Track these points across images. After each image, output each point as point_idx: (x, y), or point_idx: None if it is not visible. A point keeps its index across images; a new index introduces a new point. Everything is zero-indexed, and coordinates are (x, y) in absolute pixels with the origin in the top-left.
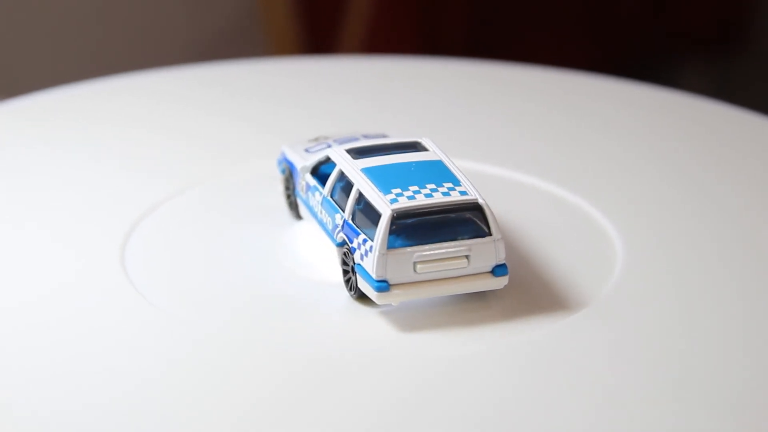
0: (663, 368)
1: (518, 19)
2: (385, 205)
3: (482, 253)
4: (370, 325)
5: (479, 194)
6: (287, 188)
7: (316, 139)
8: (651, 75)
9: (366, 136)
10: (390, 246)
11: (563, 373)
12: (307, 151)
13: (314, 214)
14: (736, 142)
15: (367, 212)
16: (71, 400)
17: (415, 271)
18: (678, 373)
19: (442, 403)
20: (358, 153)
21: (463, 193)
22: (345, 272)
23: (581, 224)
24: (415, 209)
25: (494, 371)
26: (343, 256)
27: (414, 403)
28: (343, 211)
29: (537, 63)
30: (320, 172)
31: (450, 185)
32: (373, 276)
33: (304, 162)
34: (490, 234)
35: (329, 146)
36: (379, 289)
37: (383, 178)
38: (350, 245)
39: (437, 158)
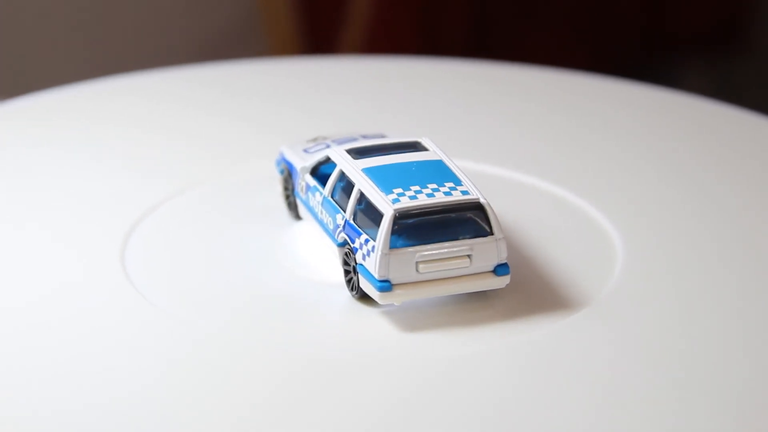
0: (663, 368)
1: (518, 19)
2: (387, 205)
3: (484, 252)
4: (371, 325)
5: (481, 194)
6: (286, 189)
7: (315, 140)
8: (651, 75)
9: (365, 137)
10: (392, 246)
11: (563, 373)
12: (305, 151)
13: (314, 215)
14: (736, 142)
15: (368, 212)
16: (72, 400)
17: (417, 270)
18: (678, 373)
19: (443, 403)
20: (359, 153)
21: (464, 192)
22: (346, 272)
23: (581, 224)
24: (417, 209)
25: (494, 371)
26: (345, 257)
27: (414, 403)
28: (344, 211)
29: (537, 63)
30: (320, 173)
31: (451, 185)
32: (376, 276)
33: (303, 162)
34: (491, 233)
35: (328, 146)
36: (382, 289)
37: (384, 178)
38: (352, 245)
39: (438, 158)
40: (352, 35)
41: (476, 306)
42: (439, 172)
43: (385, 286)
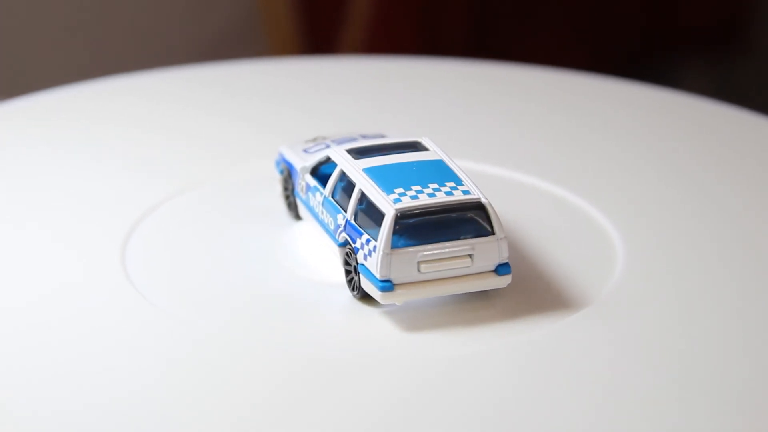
0: (663, 368)
1: (518, 19)
2: (389, 205)
3: (486, 252)
4: (371, 325)
5: (482, 193)
6: (286, 189)
7: (314, 140)
8: (651, 75)
9: (364, 137)
10: (394, 246)
11: (563, 373)
12: (305, 151)
13: (315, 215)
14: (736, 142)
15: (369, 212)
16: (72, 400)
17: (418, 270)
18: (678, 373)
19: (443, 403)
20: (359, 153)
21: (466, 192)
22: (347, 272)
23: (581, 224)
24: (418, 209)
25: (494, 371)
26: (346, 257)
27: (414, 403)
28: (345, 211)
29: (537, 63)
30: (320, 173)
31: (452, 184)
32: (377, 276)
33: (303, 162)
34: (493, 233)
35: (327, 146)
36: (384, 289)
37: (385, 178)
38: (353, 245)
39: (438, 158)
40: (352, 35)
41: (477, 306)
42: (440, 172)
43: (387, 286)
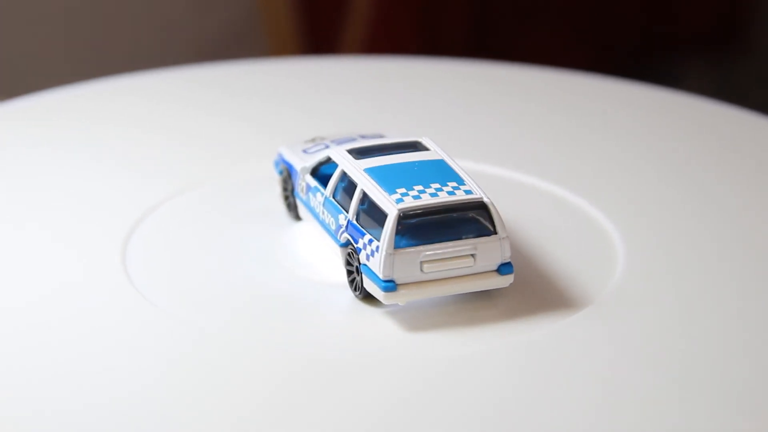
0: (663, 368)
1: (518, 19)
2: (391, 205)
3: (488, 251)
4: (371, 325)
5: (484, 193)
6: (285, 189)
7: (313, 140)
8: (651, 75)
9: (363, 137)
10: (396, 246)
11: (563, 373)
12: (305, 152)
13: (315, 215)
14: (736, 142)
15: (371, 212)
16: (72, 399)
17: (421, 270)
18: (678, 373)
19: (443, 403)
20: (360, 153)
21: (468, 192)
22: (349, 272)
23: (582, 224)
24: (421, 209)
25: (495, 371)
26: (348, 257)
27: (414, 403)
28: (347, 211)
29: (537, 63)
30: (320, 173)
31: (454, 184)
32: (380, 276)
33: (303, 163)
34: (495, 232)
35: (327, 147)
36: (386, 289)
37: (387, 178)
38: (355, 245)
39: (439, 157)
40: (352, 35)
41: (478, 305)
42: (442, 172)
43: (390, 286)
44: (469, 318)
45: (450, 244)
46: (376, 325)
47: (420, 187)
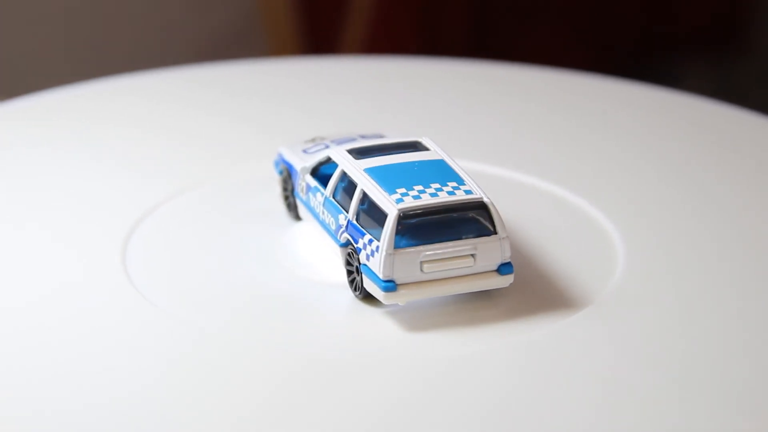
0: (663, 368)
1: (518, 19)
2: (392, 205)
3: (488, 251)
4: (370, 325)
5: (484, 193)
6: (285, 189)
7: (313, 140)
8: (651, 75)
9: (363, 137)
10: (396, 246)
11: (563, 373)
12: (305, 152)
13: (315, 215)
14: (736, 142)
15: (371, 212)
16: (72, 399)
17: (421, 270)
18: (678, 373)
19: (443, 403)
20: (360, 153)
21: (468, 192)
22: (349, 273)
23: (582, 224)
24: (421, 209)
25: (495, 371)
26: (348, 257)
27: (414, 403)
28: (347, 211)
29: (537, 63)
30: (320, 173)
31: (454, 184)
32: (380, 276)
33: (303, 163)
34: (495, 232)
35: (327, 147)
36: (387, 289)
37: (387, 178)
38: (355, 245)
39: (439, 157)
40: (352, 35)
41: (478, 305)
42: (442, 172)
43: (390, 286)
44: (469, 318)
45: (450, 244)
46: (376, 325)
47: (420, 187)
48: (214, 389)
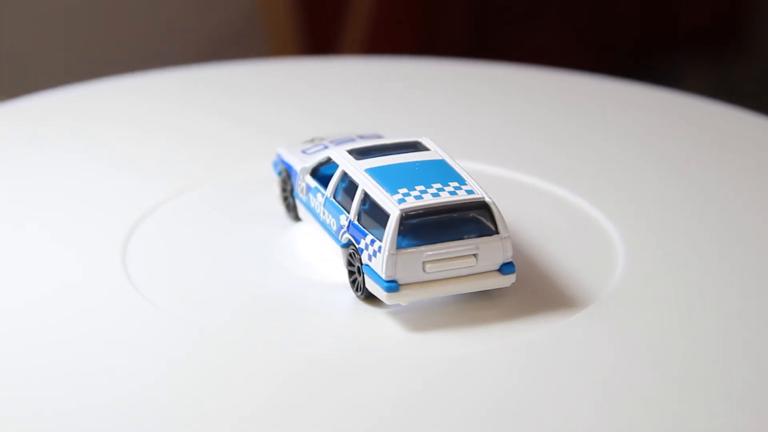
0: (664, 368)
1: (518, 19)
2: (394, 206)
3: (490, 251)
4: (370, 325)
5: (486, 193)
6: (284, 190)
7: (312, 141)
8: (651, 75)
9: (361, 137)
10: (399, 246)
11: (564, 373)
12: (304, 152)
13: (316, 216)
14: (736, 142)
15: (373, 213)
16: (72, 399)
17: (424, 270)
18: (678, 372)
19: (443, 403)
20: (360, 153)
21: (469, 192)
22: (351, 273)
23: (581, 224)
24: (423, 209)
25: (495, 371)
26: (349, 257)
27: (415, 403)
28: (348, 212)
29: (537, 63)
30: (320, 174)
31: (456, 184)
32: (383, 276)
33: (303, 163)
34: (497, 232)
35: (326, 147)
36: (389, 290)
37: (388, 179)
38: (357, 246)
39: (440, 158)
40: (352, 35)
41: (478, 305)
42: (443, 172)
43: (393, 286)
44: (469, 318)
45: (452, 244)
46: (376, 325)
47: (422, 188)
48: (214, 389)
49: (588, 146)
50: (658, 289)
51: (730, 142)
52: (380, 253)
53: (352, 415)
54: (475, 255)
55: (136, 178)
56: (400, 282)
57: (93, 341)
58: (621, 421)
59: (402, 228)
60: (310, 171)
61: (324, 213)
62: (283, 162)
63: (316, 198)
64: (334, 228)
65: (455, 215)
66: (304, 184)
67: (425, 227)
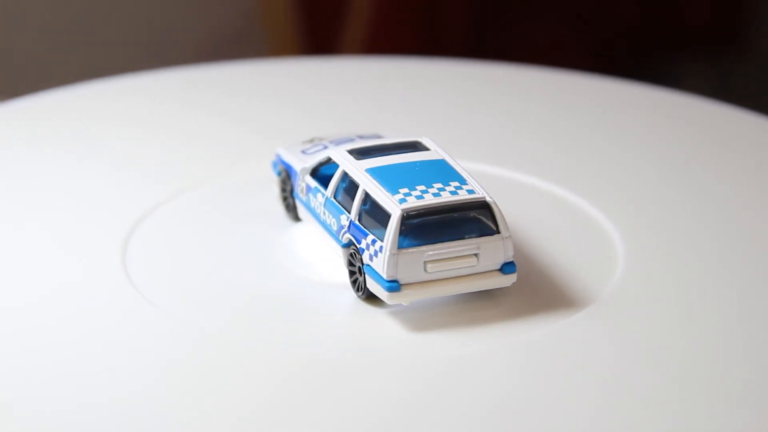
0: (664, 368)
1: (518, 19)
2: (395, 206)
3: (491, 251)
4: (370, 325)
5: (486, 192)
6: (284, 190)
7: (311, 141)
8: (651, 75)
9: (360, 137)
10: (400, 246)
11: (564, 373)
12: (303, 152)
13: (316, 216)
14: (736, 142)
15: (374, 213)
16: (72, 399)
17: (425, 270)
18: (679, 372)
19: (443, 403)
20: (361, 153)
21: (470, 191)
22: (351, 273)
23: (581, 224)
24: (424, 209)
25: (495, 371)
26: (350, 257)
27: (415, 403)
28: (349, 212)
29: (537, 63)
30: (320, 174)
31: (457, 184)
32: (384, 276)
33: (303, 164)
34: (498, 232)
35: (325, 147)
36: (391, 290)
37: (389, 179)
38: (358, 246)
39: (440, 157)
40: (352, 35)
41: (478, 305)
42: (444, 172)
43: (394, 286)
44: (469, 318)
45: (453, 243)
46: (376, 325)
47: (422, 187)
48: (214, 389)
49: (588, 146)
50: (658, 289)
51: (730, 142)
52: (381, 253)
53: (352, 415)
54: (476, 255)
55: (136, 178)
56: (402, 282)
57: (93, 341)
58: (621, 421)
59: (403, 228)
60: (310, 171)
61: (324, 213)
62: (283, 162)
63: (316, 198)
64: (335, 228)
65: (456, 215)
66: (304, 185)
67: (426, 227)
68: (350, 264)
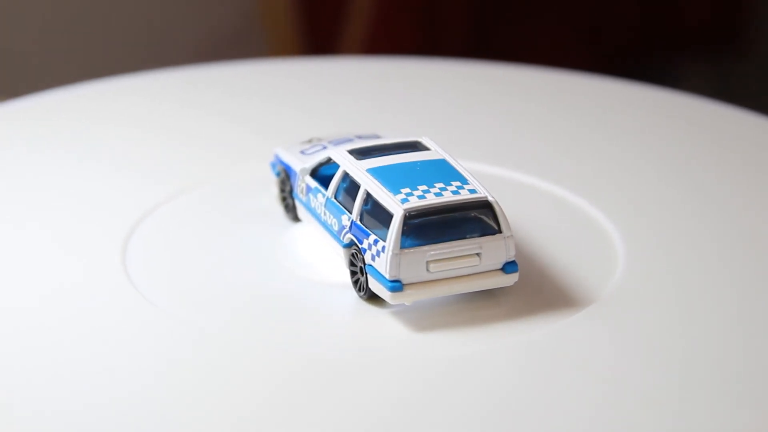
0: (664, 368)
1: (518, 19)
2: (397, 205)
3: (493, 250)
4: (370, 325)
5: (488, 192)
6: (283, 191)
7: (310, 141)
8: (651, 75)
9: (360, 137)
10: (402, 246)
11: (564, 373)
12: (302, 153)
13: (316, 216)
14: (736, 142)
15: (376, 213)
16: (72, 400)
17: (427, 270)
18: (679, 373)
19: (443, 403)
20: (361, 154)
21: (472, 191)
22: (353, 273)
23: (581, 224)
24: (426, 208)
25: (494, 371)
26: (352, 257)
27: (415, 403)
28: (350, 212)
29: (537, 63)
30: (320, 174)
31: (458, 184)
32: (387, 276)
33: (302, 164)
34: (500, 231)
35: (324, 148)
36: (393, 289)
37: (390, 178)
38: (359, 246)
39: (441, 157)
40: (352, 35)
41: (478, 305)
42: (445, 171)
43: (397, 286)
44: (470, 318)
45: (455, 243)
46: (376, 325)
47: (424, 187)
48: (214, 389)
49: (588, 146)
50: (658, 289)
51: (730, 142)
52: (384, 253)
53: (352, 415)
54: (478, 254)
55: (136, 178)
56: (404, 282)
57: (93, 341)
58: (621, 421)
59: (405, 228)
60: (309, 171)
61: (325, 213)
62: (282, 163)
63: (316, 198)
64: (336, 228)
65: (458, 214)
66: (303, 185)
67: (428, 227)
68: (352, 264)
